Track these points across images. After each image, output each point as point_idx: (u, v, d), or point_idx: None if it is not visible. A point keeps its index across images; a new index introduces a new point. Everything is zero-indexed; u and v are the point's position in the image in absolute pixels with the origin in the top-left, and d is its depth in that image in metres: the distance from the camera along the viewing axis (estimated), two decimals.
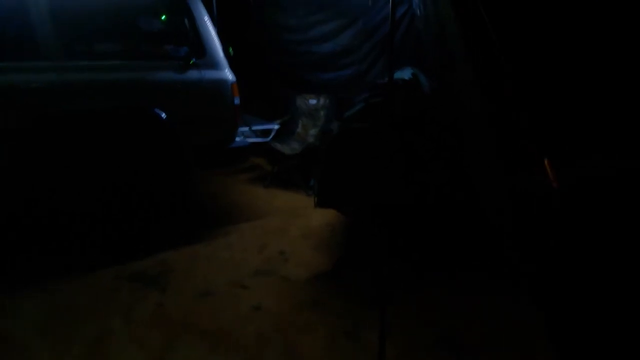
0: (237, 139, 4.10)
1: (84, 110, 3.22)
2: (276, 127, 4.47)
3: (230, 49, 3.82)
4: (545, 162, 1.63)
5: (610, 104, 1.94)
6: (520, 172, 2.07)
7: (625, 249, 1.84)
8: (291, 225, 4.28)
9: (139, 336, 2.63)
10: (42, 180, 3.17)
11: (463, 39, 2.14)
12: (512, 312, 2.78)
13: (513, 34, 1.88)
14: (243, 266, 3.50)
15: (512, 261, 2.52)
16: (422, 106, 3.15)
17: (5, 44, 3.05)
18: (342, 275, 3.38)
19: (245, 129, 4.19)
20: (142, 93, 3.50)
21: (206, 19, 3.77)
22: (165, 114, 3.50)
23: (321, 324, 2.78)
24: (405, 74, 4.30)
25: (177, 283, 3.23)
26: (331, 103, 5.50)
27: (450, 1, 2.15)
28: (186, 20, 3.70)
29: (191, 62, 3.65)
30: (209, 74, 3.75)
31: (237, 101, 3.88)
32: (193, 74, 3.69)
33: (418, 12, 3.10)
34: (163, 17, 3.69)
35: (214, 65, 3.78)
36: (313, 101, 5.60)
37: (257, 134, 4.26)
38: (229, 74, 3.86)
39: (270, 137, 4.46)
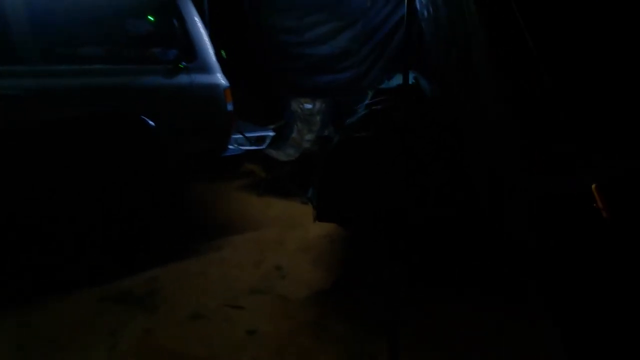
0: (231, 147, 3.88)
1: (65, 118, 2.98)
2: (271, 134, 4.26)
3: (223, 52, 3.59)
4: (593, 188, 1.44)
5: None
6: (549, 174, 1.90)
7: None
8: (288, 237, 4.06)
9: None
10: (17, 194, 2.92)
11: (488, 41, 1.95)
12: (529, 338, 2.58)
13: (547, 37, 1.70)
14: (237, 284, 3.27)
15: (532, 282, 2.31)
16: (426, 113, 2.95)
17: None
18: (344, 293, 3.17)
19: (239, 136, 3.97)
20: (128, 99, 3.28)
21: (197, 20, 3.55)
22: (153, 121, 3.28)
23: (323, 350, 2.56)
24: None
25: (166, 304, 3.00)
26: (327, 107, 5.32)
27: (475, 6, 1.96)
28: (175, 22, 3.48)
29: (181, 66, 3.43)
30: (200, 79, 3.53)
31: (230, 107, 3.67)
32: (183, 79, 3.47)
33: (425, 14, 2.90)
34: (151, 18, 3.46)
35: (206, 69, 3.56)
36: (309, 105, 5.41)
37: (251, 141, 4.04)
38: (221, 79, 3.64)
39: (265, 144, 4.24)
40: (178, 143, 3.48)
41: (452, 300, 2.95)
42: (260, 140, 4.16)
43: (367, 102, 3.57)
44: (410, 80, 3.75)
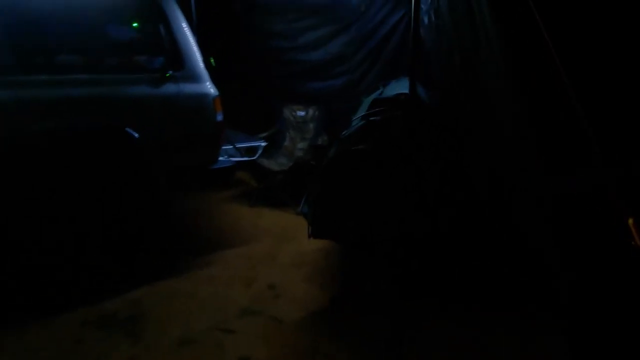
0: (221, 158, 3.71)
1: (42, 131, 2.79)
2: (263, 144, 4.09)
3: (212, 60, 3.42)
4: (630, 222, 1.30)
5: None
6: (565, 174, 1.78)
7: None
8: (280, 251, 3.90)
9: None
10: None
11: (505, 44, 1.83)
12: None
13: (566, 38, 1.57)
14: (228, 305, 3.10)
15: (550, 294, 2.17)
16: (426, 124, 2.80)
17: None
18: (341, 314, 3.01)
19: (229, 147, 3.80)
20: (110, 111, 3.09)
21: (184, 25, 3.37)
22: (138, 133, 3.10)
23: None
24: (403, 84, 3.97)
25: (152, 329, 2.82)
26: (321, 114, 5.16)
27: (491, 10, 1.83)
28: (161, 28, 3.30)
29: (167, 74, 3.25)
30: (188, 88, 3.36)
31: (219, 117, 3.49)
32: (170, 88, 3.29)
33: (426, 21, 2.77)
34: (135, 25, 3.27)
35: (194, 77, 3.38)
36: (301, 112, 5.25)
37: (242, 152, 3.87)
38: (210, 88, 3.47)
39: (257, 155, 4.07)
40: (165, 156, 3.29)
41: (457, 319, 2.81)
42: (251, 150, 3.99)
43: (364, 112, 3.42)
44: (407, 88, 3.61)
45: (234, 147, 3.81)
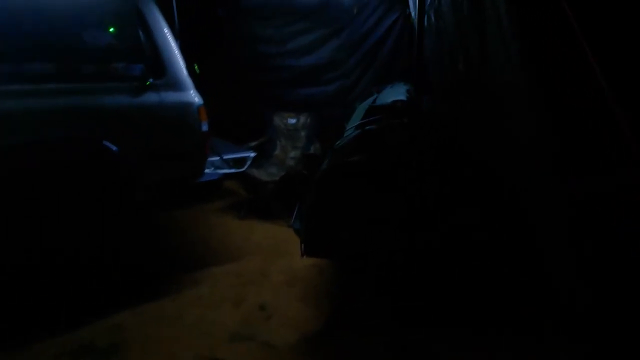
0: (207, 170, 3.49)
1: (9, 146, 2.57)
2: (252, 154, 3.89)
3: (196, 66, 3.21)
4: None
5: None
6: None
7: None
8: (272, 268, 3.69)
9: None
10: None
11: (524, 44, 1.65)
12: None
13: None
14: (216, 329, 2.89)
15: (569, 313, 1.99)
16: (426, 132, 2.62)
17: None
18: (337, 337, 2.80)
19: (216, 158, 3.59)
20: (86, 123, 2.88)
21: (165, 30, 3.17)
22: (117, 146, 2.88)
23: None
24: (398, 90, 3.80)
25: (134, 358, 2.59)
26: (312, 122, 4.98)
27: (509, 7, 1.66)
28: (141, 33, 3.09)
29: (148, 82, 3.04)
30: (171, 97, 3.15)
31: (205, 127, 3.29)
32: (151, 97, 3.08)
33: (425, 21, 2.59)
34: (112, 30, 3.06)
35: (176, 85, 3.18)
36: (292, 120, 5.06)
37: (229, 163, 3.66)
38: (194, 96, 3.26)
39: (246, 166, 3.86)
40: (147, 170, 3.08)
41: (463, 344, 2.61)
42: (239, 162, 3.79)
43: (359, 120, 3.24)
44: (404, 94, 3.43)
45: (221, 158, 3.60)
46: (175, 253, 3.92)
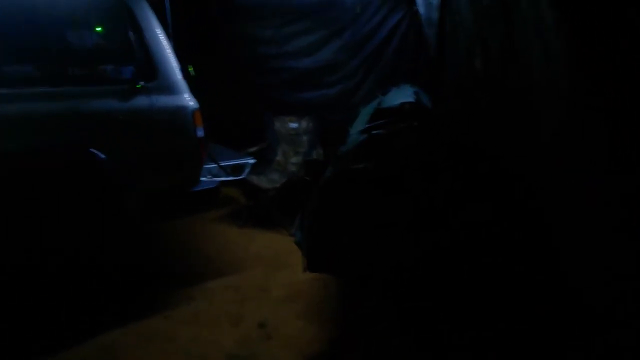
0: (203, 179, 3.29)
1: None
2: (251, 161, 3.68)
3: (191, 68, 3.01)
4: None
5: None
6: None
7: None
8: (273, 281, 3.48)
9: None
10: None
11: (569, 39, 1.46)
12: None
13: None
14: (212, 350, 2.69)
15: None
16: (439, 136, 2.41)
17: None
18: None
19: (213, 165, 3.39)
20: (72, 129, 2.69)
21: (158, 30, 2.97)
22: (105, 154, 2.69)
23: None
24: (404, 93, 3.60)
25: None
26: (315, 126, 4.79)
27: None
28: (131, 33, 2.90)
29: (138, 85, 2.85)
30: (163, 101, 2.95)
31: (200, 133, 3.09)
32: (141, 101, 2.89)
33: (435, 17, 2.39)
34: (98, 29, 2.86)
35: (169, 88, 2.98)
36: (294, 124, 4.86)
37: (227, 171, 3.46)
38: (189, 100, 3.06)
39: (244, 173, 3.66)
40: (138, 179, 2.88)
41: None
42: (238, 169, 3.59)
43: (363, 124, 3.04)
44: (411, 96, 3.23)
45: (218, 165, 3.40)
46: (170, 265, 3.72)
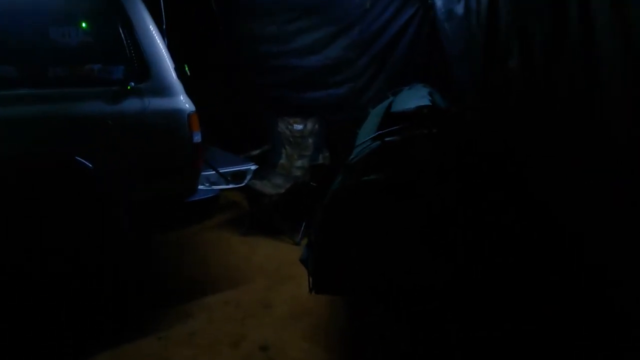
0: (201, 187, 3.05)
1: None
2: (253, 167, 3.44)
3: (187, 67, 2.77)
4: None
5: None
6: None
7: None
8: (276, 297, 3.26)
9: None
10: None
11: None
12: None
13: None
14: None
15: None
16: (464, 146, 2.16)
17: None
18: None
19: (212, 172, 3.15)
20: (56, 135, 2.46)
21: (151, 26, 2.74)
22: (92, 162, 2.47)
23: None
24: (418, 94, 3.34)
25: None
26: (320, 128, 4.56)
27: None
28: (121, 30, 2.66)
29: (129, 87, 2.61)
30: (156, 103, 2.71)
31: (197, 138, 2.85)
32: (133, 104, 2.65)
33: (460, 10, 2.13)
34: (85, 25, 2.62)
35: (163, 90, 2.74)
36: (298, 126, 4.63)
37: (227, 178, 3.22)
38: (184, 102, 2.82)
39: (246, 181, 3.42)
40: (129, 189, 2.65)
41: None
42: (239, 176, 3.35)
43: (374, 127, 2.79)
44: (426, 97, 2.97)
45: (217, 172, 3.16)
46: (166, 278, 3.49)
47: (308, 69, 4.56)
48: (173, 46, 2.90)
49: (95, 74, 2.70)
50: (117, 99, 2.61)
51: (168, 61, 2.79)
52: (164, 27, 3.07)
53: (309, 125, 4.59)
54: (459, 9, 2.38)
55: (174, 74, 2.79)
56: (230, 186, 3.28)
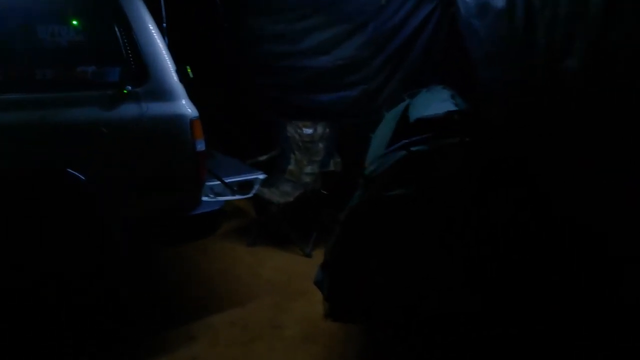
0: (205, 198, 2.82)
1: None
2: (261, 176, 3.20)
3: (189, 69, 2.54)
4: None
5: None
6: None
7: None
8: (286, 316, 3.04)
9: None
10: None
11: None
12: None
13: None
14: None
15: None
16: (499, 158, 1.92)
17: None
18: None
19: (216, 182, 2.92)
20: (45, 144, 2.24)
21: (150, 25, 2.51)
22: (85, 175, 2.25)
23: None
24: (439, 96, 3.10)
25: None
26: (332, 132, 4.33)
27: None
28: (117, 28, 2.43)
29: (125, 91, 2.39)
30: (155, 108, 2.48)
31: (200, 146, 2.62)
32: (130, 109, 2.42)
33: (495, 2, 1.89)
34: (77, 23, 2.39)
35: (163, 94, 2.51)
36: (308, 130, 4.40)
37: (233, 189, 2.99)
38: (186, 107, 2.59)
39: (253, 191, 3.18)
40: (126, 203, 2.43)
41: None
42: (246, 186, 3.11)
43: (390, 131, 2.56)
44: (450, 101, 2.73)
45: (222, 182, 2.92)
46: (168, 296, 3.27)
47: (319, 69, 4.32)
48: (174, 46, 2.68)
49: (88, 76, 2.47)
50: (112, 103, 2.37)
51: (168, 62, 2.56)
52: (164, 25, 2.85)
53: (320, 129, 4.36)
54: (499, 2, 2.12)
55: (174, 76, 2.55)
56: (237, 197, 3.04)
